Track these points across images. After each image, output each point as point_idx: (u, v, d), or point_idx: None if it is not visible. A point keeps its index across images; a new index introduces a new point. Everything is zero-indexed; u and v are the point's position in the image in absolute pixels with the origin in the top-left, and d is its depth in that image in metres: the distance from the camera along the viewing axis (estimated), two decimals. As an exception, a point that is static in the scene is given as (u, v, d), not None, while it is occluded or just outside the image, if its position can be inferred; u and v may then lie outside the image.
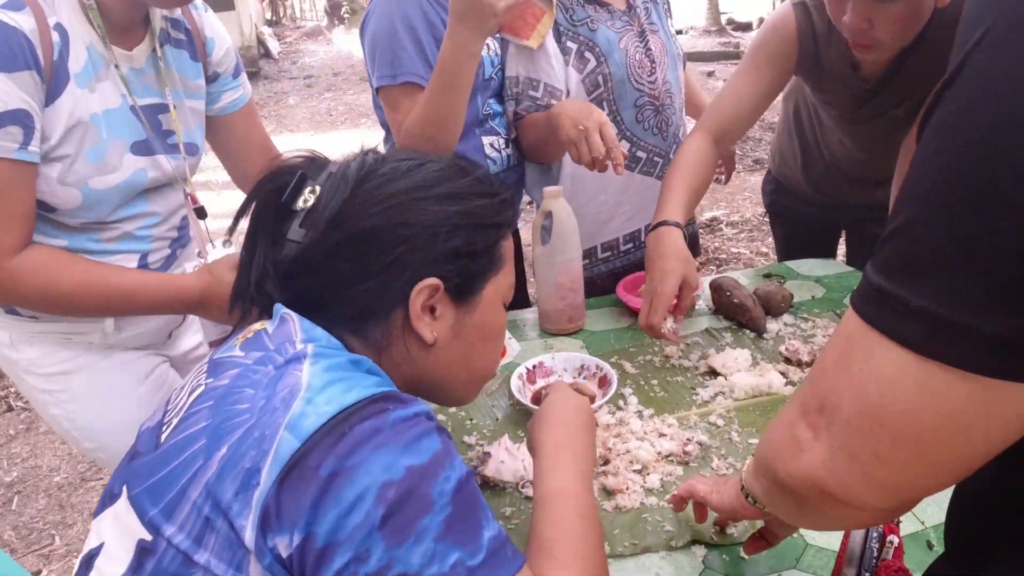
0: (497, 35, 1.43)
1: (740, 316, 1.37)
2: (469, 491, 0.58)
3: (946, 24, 1.12)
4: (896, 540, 0.70)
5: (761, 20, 8.40)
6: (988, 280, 0.36)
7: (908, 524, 0.84)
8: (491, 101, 1.46)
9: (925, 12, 1.10)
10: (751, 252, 3.42)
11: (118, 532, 0.61)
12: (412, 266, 0.69)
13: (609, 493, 0.95)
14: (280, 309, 0.69)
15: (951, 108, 0.40)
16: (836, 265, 1.61)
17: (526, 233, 1.87)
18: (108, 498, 0.66)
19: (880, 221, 1.30)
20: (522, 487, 0.98)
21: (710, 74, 7.35)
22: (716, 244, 3.60)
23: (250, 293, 0.72)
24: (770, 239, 3.53)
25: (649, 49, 1.48)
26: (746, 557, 0.81)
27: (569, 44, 1.43)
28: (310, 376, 0.60)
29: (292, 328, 0.66)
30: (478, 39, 1.15)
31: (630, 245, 1.60)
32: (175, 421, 0.64)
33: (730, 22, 10.42)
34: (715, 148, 1.36)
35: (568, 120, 1.26)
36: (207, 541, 0.56)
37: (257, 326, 0.69)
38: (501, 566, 0.56)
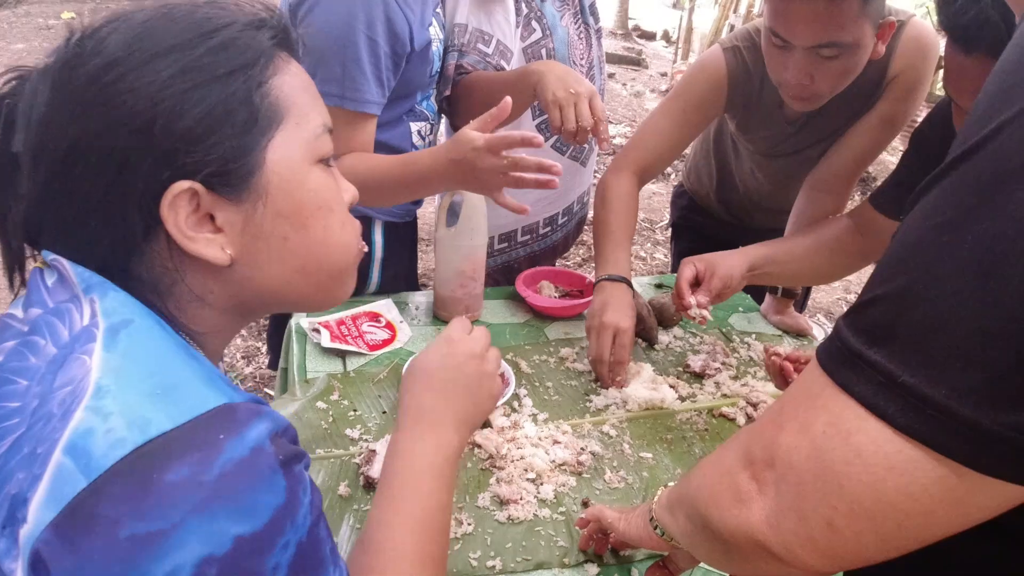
0: None
1: (638, 325, 1.38)
2: (312, 551, 0.46)
3: (868, 70, 1.18)
4: None
5: (666, 32, 8.64)
6: (997, 374, 0.34)
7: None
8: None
9: (862, 63, 1.14)
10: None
11: None
12: (139, 178, 0.50)
13: (503, 503, 0.90)
14: (48, 255, 0.52)
15: (970, 181, 0.37)
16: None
17: (428, 212, 1.78)
18: None
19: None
20: (409, 490, 0.91)
21: (611, 76, 7.52)
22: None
23: (18, 259, 0.55)
24: (649, 244, 3.67)
25: (581, 33, 1.44)
26: (640, 580, 0.80)
27: (522, 7, 1.35)
28: (101, 369, 0.44)
29: (67, 276, 0.51)
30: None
31: (548, 228, 1.59)
32: None
33: (636, 28, 10.71)
34: (638, 187, 1.37)
35: (558, 81, 1.12)
36: None
37: (39, 264, 0.54)
38: None
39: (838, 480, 0.39)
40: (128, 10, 0.54)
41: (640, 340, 1.35)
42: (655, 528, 0.68)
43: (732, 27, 6.22)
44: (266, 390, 2.18)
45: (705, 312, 1.17)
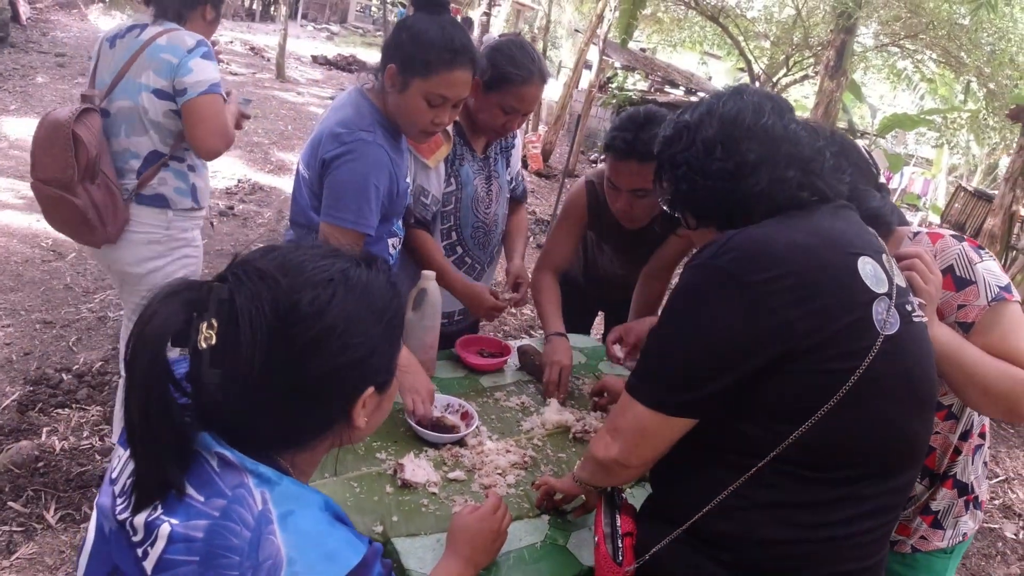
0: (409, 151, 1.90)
1: (538, 374, 2.02)
2: None
3: None
4: (626, 490, 1.35)
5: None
6: (666, 387, 1.00)
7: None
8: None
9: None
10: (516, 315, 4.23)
11: None
12: (356, 390, 0.78)
13: (485, 488, 1.49)
14: (207, 441, 0.72)
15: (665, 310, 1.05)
16: (591, 340, 2.40)
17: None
18: None
19: (626, 308, 2.19)
20: (429, 487, 1.46)
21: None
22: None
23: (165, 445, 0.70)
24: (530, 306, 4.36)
25: (490, 190, 2.11)
26: (572, 520, 1.42)
27: (448, 168, 1.98)
28: (287, 545, 0.66)
29: (237, 468, 0.71)
30: None
31: (445, 320, 2.18)
32: (151, 558, 0.68)
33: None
34: (555, 275, 2.20)
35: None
36: None
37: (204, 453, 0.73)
38: None
39: (633, 429, 1.04)
40: (327, 272, 0.76)
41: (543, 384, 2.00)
42: (576, 481, 1.31)
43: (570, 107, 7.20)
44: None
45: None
